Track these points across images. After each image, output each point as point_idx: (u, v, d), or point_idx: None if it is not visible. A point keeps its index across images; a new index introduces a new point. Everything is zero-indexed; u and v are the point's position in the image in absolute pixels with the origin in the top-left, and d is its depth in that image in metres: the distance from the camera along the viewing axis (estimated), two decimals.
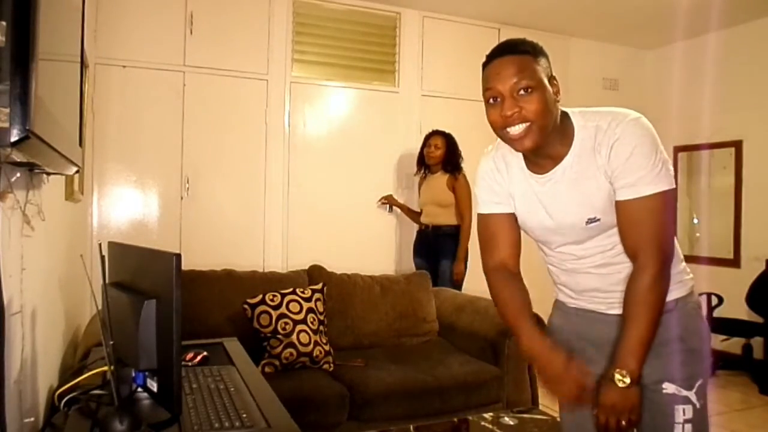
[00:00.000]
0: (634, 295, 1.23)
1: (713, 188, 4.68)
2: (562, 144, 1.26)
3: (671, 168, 1.23)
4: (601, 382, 1.26)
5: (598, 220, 1.26)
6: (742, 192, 4.50)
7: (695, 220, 4.79)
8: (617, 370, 1.22)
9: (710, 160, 4.69)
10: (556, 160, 1.28)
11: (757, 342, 4.08)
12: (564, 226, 1.31)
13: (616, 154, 1.20)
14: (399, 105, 4.36)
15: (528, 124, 1.20)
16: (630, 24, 4.57)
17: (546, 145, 1.24)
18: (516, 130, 1.21)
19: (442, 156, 3.72)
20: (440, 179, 3.74)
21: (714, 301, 4.07)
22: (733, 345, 4.11)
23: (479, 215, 1.44)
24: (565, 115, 1.28)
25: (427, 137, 3.82)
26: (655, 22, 4.50)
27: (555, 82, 1.25)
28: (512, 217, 1.41)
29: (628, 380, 1.21)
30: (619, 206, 1.23)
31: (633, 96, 4.75)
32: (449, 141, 3.76)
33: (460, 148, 4.23)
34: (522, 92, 1.20)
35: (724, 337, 4.03)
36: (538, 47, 1.26)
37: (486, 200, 1.42)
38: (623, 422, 1.23)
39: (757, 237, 4.36)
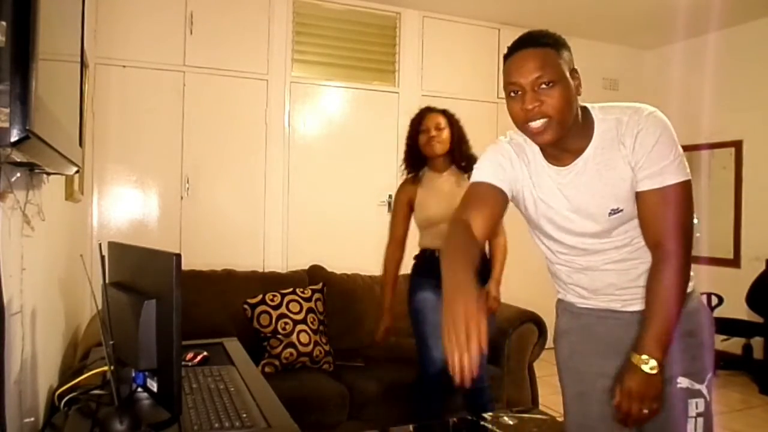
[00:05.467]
0: (659, 284, 1.22)
1: (713, 188, 4.68)
2: (583, 137, 1.26)
3: (685, 160, 1.24)
4: (625, 369, 1.25)
5: (621, 210, 1.26)
6: (742, 192, 4.50)
7: (695, 220, 4.79)
8: (643, 356, 1.21)
9: (710, 160, 4.69)
10: (577, 152, 1.28)
11: (757, 342, 4.08)
12: (586, 218, 1.30)
13: (641, 144, 1.21)
14: (399, 105, 4.35)
15: (547, 119, 1.19)
16: (630, 24, 4.57)
17: (566, 138, 1.24)
18: (536, 124, 1.21)
19: (449, 141, 2.47)
20: (452, 181, 2.50)
21: (714, 301, 4.07)
22: (733, 345, 4.11)
23: (473, 183, 1.36)
24: (584, 109, 1.29)
25: (420, 118, 2.53)
26: (655, 22, 4.50)
27: (577, 75, 1.24)
28: (502, 195, 1.33)
29: (656, 367, 1.20)
30: (643, 196, 1.23)
31: (633, 96, 4.74)
32: (453, 120, 2.53)
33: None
34: (543, 86, 1.19)
35: (724, 337, 4.02)
36: (561, 40, 1.25)
37: (485, 171, 1.34)
38: (645, 411, 1.22)
39: (757, 237, 4.36)
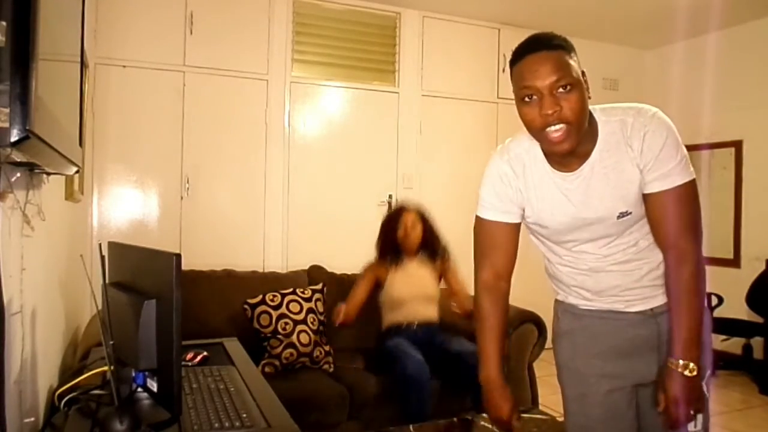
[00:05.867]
0: (682, 285, 1.24)
1: (713, 188, 4.68)
2: (588, 140, 1.25)
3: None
4: (666, 376, 1.25)
5: (630, 213, 1.26)
6: (742, 192, 4.50)
7: None
8: (681, 362, 1.22)
9: (710, 160, 4.69)
10: (583, 157, 1.26)
11: (757, 342, 4.08)
12: (594, 223, 1.29)
13: (648, 147, 1.21)
14: (399, 105, 4.36)
15: (566, 125, 1.17)
16: (630, 24, 4.57)
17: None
18: (556, 130, 1.17)
19: (422, 235, 2.90)
20: (423, 268, 2.92)
21: (714, 301, 4.07)
22: (733, 345, 4.11)
23: (479, 219, 1.39)
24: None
25: (397, 216, 2.93)
26: (655, 22, 4.50)
27: (585, 78, 1.22)
28: (515, 228, 1.38)
29: (695, 369, 1.22)
30: (653, 198, 1.23)
31: (633, 96, 4.74)
32: (425, 217, 2.95)
33: (460, 149, 4.22)
34: (561, 90, 1.16)
35: (724, 337, 4.02)
36: (570, 42, 1.22)
37: (492, 205, 1.36)
38: (692, 412, 1.24)
39: (757, 237, 4.36)
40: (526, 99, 1.20)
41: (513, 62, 1.23)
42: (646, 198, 1.24)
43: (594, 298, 1.39)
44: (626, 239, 1.30)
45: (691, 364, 1.21)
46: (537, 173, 1.32)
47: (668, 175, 1.21)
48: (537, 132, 1.22)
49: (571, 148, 1.20)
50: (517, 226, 1.38)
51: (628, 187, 1.25)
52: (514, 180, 1.34)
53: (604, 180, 1.26)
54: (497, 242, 1.38)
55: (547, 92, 1.16)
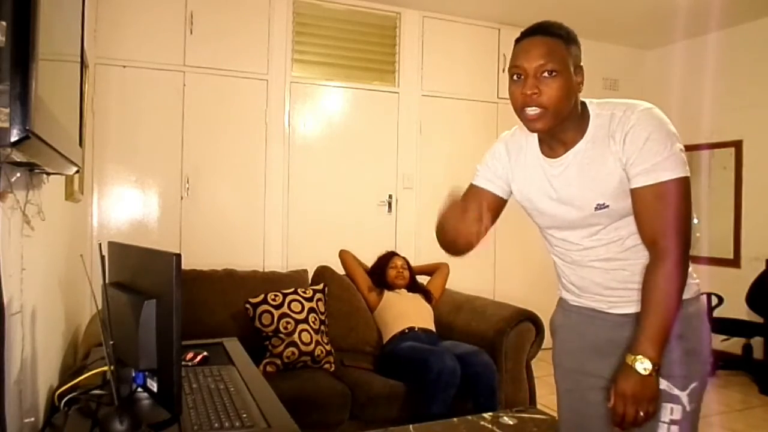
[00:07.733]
0: (654, 282, 1.21)
1: (713, 188, 4.68)
2: (577, 131, 1.28)
3: (685, 157, 1.22)
4: (619, 371, 1.23)
5: (608, 206, 1.26)
6: (742, 192, 4.50)
7: (695, 220, 4.79)
8: (638, 357, 1.19)
9: (710, 160, 4.69)
10: (570, 145, 1.29)
11: (757, 342, 4.08)
12: (572, 211, 1.30)
13: (631, 141, 1.21)
14: (399, 105, 4.36)
15: (542, 109, 1.21)
16: (630, 24, 4.57)
17: (561, 130, 1.26)
18: (532, 111, 1.22)
19: (409, 277, 3.34)
20: (415, 295, 3.28)
21: (714, 301, 4.07)
22: (733, 345, 4.11)
23: (470, 185, 1.48)
24: (583, 104, 1.30)
25: (387, 260, 3.36)
26: (655, 22, 4.50)
27: (581, 72, 1.26)
28: (496, 200, 1.43)
29: (650, 367, 1.18)
30: (636, 193, 1.22)
31: (633, 96, 4.70)
32: (408, 264, 3.41)
33: (460, 149, 4.20)
34: (545, 74, 1.21)
35: (724, 337, 4.02)
36: (573, 34, 1.27)
37: (482, 174, 1.46)
38: (641, 413, 1.19)
39: (757, 237, 4.36)
40: (515, 78, 1.26)
41: (515, 43, 1.30)
42: (632, 193, 1.23)
43: (580, 294, 1.40)
44: (611, 234, 1.29)
45: (648, 362, 1.18)
46: (530, 157, 1.38)
47: (653, 170, 1.19)
48: (518, 111, 1.27)
49: (544, 128, 1.24)
50: (496, 198, 1.43)
51: (607, 180, 1.25)
52: (505, 158, 1.43)
53: (584, 170, 1.27)
54: (473, 202, 1.40)
55: (532, 74, 1.22)
